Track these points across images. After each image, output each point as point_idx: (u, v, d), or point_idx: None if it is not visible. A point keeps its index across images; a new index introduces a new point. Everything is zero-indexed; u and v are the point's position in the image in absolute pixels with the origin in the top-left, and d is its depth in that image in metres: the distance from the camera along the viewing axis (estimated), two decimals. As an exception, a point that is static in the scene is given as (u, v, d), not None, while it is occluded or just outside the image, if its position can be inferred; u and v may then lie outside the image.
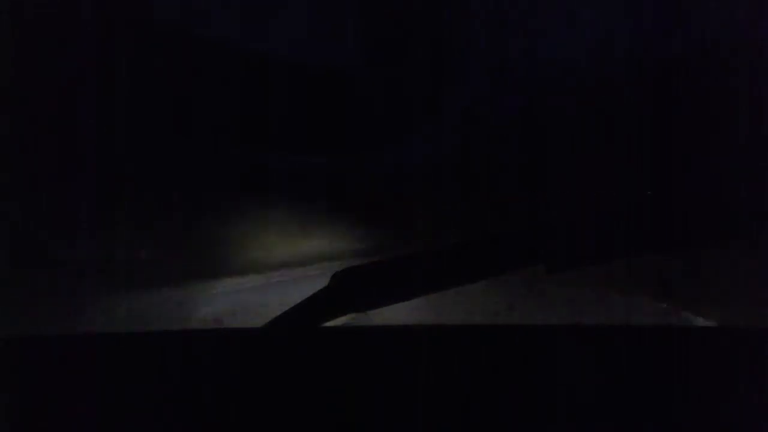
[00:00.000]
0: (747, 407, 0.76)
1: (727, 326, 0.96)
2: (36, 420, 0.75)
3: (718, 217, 0.93)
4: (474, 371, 0.83)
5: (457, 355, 0.87)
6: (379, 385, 0.80)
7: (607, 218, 0.97)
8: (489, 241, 0.99)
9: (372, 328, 0.98)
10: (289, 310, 0.93)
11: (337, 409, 0.76)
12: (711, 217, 0.92)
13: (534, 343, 0.91)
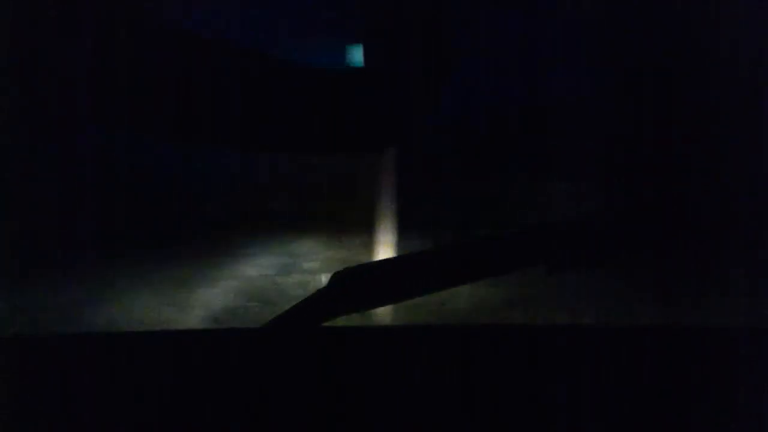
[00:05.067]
0: (747, 407, 0.76)
1: (727, 326, 0.96)
2: (36, 420, 0.75)
3: (717, 218, 0.93)
4: (474, 371, 0.83)
5: (457, 355, 0.87)
6: (379, 385, 0.80)
7: (606, 219, 0.97)
8: (489, 241, 0.99)
9: (372, 328, 0.98)
10: (289, 310, 0.93)
11: (337, 409, 0.76)
12: (709, 218, 0.92)
13: (534, 343, 0.91)
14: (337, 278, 0.93)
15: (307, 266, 3.26)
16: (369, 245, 3.10)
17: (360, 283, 0.94)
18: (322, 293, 0.93)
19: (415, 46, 1.31)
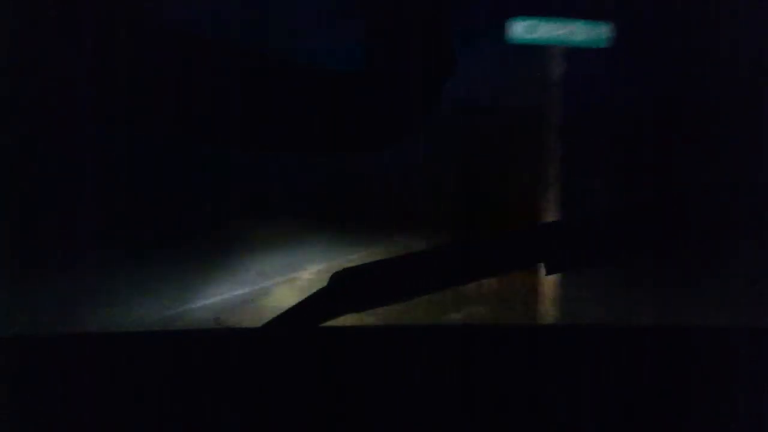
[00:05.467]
0: (747, 407, 0.76)
1: (728, 326, 0.96)
2: (36, 420, 0.75)
3: (717, 218, 0.93)
4: (474, 371, 0.83)
5: (457, 355, 0.87)
6: (379, 385, 0.80)
7: (606, 219, 0.97)
8: (489, 241, 0.99)
9: (372, 328, 0.98)
10: (288, 310, 0.93)
11: (337, 409, 0.76)
12: (710, 218, 0.92)
13: (534, 343, 0.91)
14: (336, 278, 0.93)
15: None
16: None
17: (360, 283, 0.93)
18: (321, 293, 0.93)
19: (415, 46, 1.31)
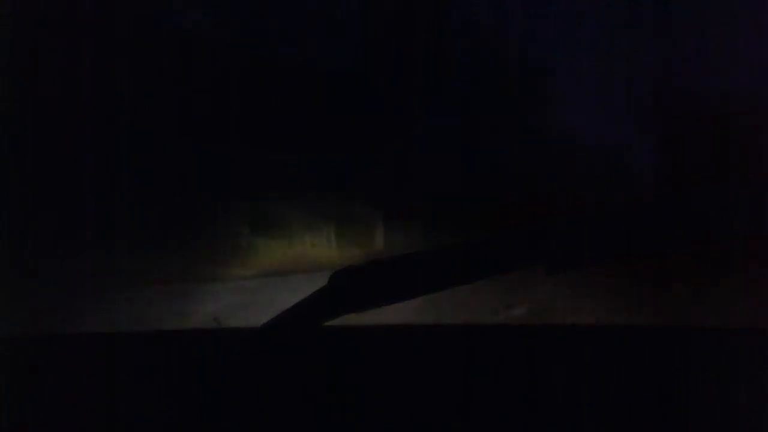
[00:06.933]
0: (747, 407, 0.76)
1: (727, 326, 0.96)
2: (36, 420, 0.75)
3: (717, 218, 0.93)
4: (474, 371, 0.83)
5: (457, 355, 0.87)
6: (379, 385, 0.80)
7: (607, 219, 0.96)
8: (489, 241, 0.99)
9: (372, 328, 0.98)
10: (288, 310, 0.93)
11: (337, 409, 0.76)
12: (710, 218, 0.92)
13: (534, 343, 0.91)
14: (336, 278, 0.93)
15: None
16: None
17: (360, 283, 0.93)
18: (321, 293, 0.93)
19: (415, 46, 1.31)
